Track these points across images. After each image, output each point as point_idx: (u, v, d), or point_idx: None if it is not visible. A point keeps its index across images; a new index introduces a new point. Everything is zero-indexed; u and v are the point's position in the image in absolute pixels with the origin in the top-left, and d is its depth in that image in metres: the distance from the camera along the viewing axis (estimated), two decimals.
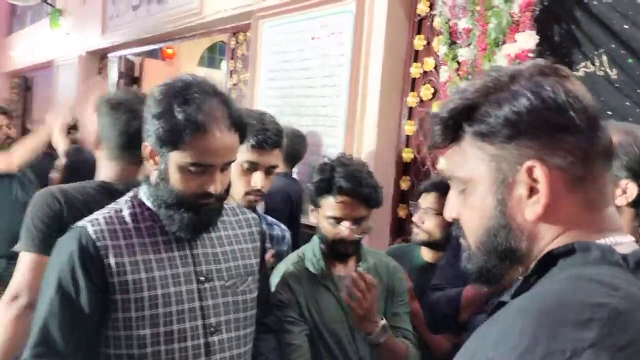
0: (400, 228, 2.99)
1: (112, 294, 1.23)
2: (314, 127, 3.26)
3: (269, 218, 2.02)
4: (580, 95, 0.75)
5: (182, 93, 1.23)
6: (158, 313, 1.25)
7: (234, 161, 1.32)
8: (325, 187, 1.64)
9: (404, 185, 2.99)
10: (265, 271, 1.59)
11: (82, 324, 1.23)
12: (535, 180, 0.73)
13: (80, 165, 2.06)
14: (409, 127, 2.95)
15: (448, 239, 1.97)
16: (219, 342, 1.32)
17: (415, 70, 2.94)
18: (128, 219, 1.30)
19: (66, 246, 1.25)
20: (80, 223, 1.28)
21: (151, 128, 1.24)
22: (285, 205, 2.73)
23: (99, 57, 6.85)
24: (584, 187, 0.75)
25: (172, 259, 1.30)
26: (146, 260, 1.27)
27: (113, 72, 6.57)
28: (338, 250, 1.67)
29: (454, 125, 0.79)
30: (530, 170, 0.73)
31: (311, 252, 1.72)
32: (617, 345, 0.59)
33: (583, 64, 2.10)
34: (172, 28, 4.91)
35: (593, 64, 2.08)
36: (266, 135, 1.74)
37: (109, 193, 1.58)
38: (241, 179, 1.74)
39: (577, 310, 0.62)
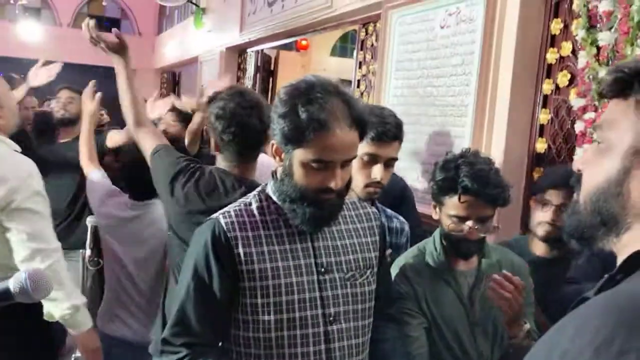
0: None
1: (241, 281, 1.34)
2: (441, 118, 3.22)
3: (388, 211, 2.03)
4: None
5: (305, 93, 1.29)
6: (282, 300, 1.33)
7: (354, 158, 1.36)
8: (449, 186, 1.62)
9: (537, 176, 2.85)
10: (387, 263, 1.62)
11: (214, 307, 1.35)
12: None
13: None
14: (544, 116, 2.81)
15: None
16: (337, 332, 1.38)
17: (551, 56, 2.78)
18: (256, 212, 1.40)
19: (202, 236, 1.38)
20: (214, 215, 1.41)
21: (277, 127, 1.32)
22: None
23: (238, 53, 7.22)
24: None
25: (295, 251, 1.37)
26: (271, 251, 1.35)
27: (251, 66, 6.90)
28: (460, 249, 1.65)
29: (628, 82, 0.79)
30: None
31: (432, 246, 1.72)
32: None
33: None
34: (305, 22, 5.05)
35: None
36: (385, 128, 1.77)
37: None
38: (361, 171, 1.78)
39: None
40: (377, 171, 1.79)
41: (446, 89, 3.20)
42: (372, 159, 1.79)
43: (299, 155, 1.31)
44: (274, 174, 1.43)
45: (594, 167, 0.82)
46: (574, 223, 0.85)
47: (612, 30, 2.24)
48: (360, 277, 1.43)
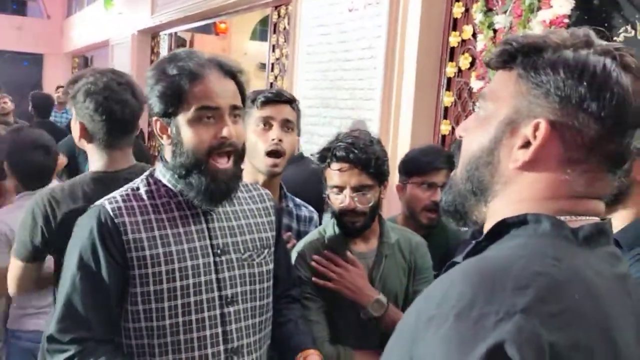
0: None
1: (131, 269, 1.27)
2: (351, 101, 3.24)
3: (297, 199, 2.02)
4: (627, 96, 0.73)
5: (171, 59, 1.32)
6: (176, 286, 1.29)
7: (240, 107, 1.35)
8: (326, 156, 1.65)
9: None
10: (284, 245, 1.61)
11: (104, 297, 1.27)
12: (535, 138, 0.74)
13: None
14: (448, 99, 2.88)
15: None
16: (234, 313, 1.35)
17: (453, 39, 2.86)
18: (144, 196, 1.34)
19: (86, 224, 1.30)
20: (98, 202, 1.33)
21: (152, 97, 1.30)
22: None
23: (151, 36, 7.00)
24: (571, 169, 0.75)
25: (189, 233, 1.33)
26: (163, 235, 1.30)
27: (164, 50, 6.70)
28: (345, 223, 1.66)
29: (512, 55, 0.80)
30: (536, 127, 0.74)
31: (332, 229, 1.72)
32: (549, 313, 0.61)
33: (623, 28, 1.98)
34: (217, 4, 4.95)
35: (634, 28, 1.96)
36: (274, 90, 1.82)
37: (102, 181, 1.66)
38: (260, 138, 1.79)
39: (517, 277, 0.64)
40: (274, 132, 1.79)
41: (355, 73, 3.22)
42: (267, 123, 1.80)
43: (183, 117, 1.29)
44: (162, 157, 1.39)
45: (472, 136, 0.84)
46: (450, 197, 0.86)
47: (507, 13, 2.31)
48: (258, 257, 1.42)
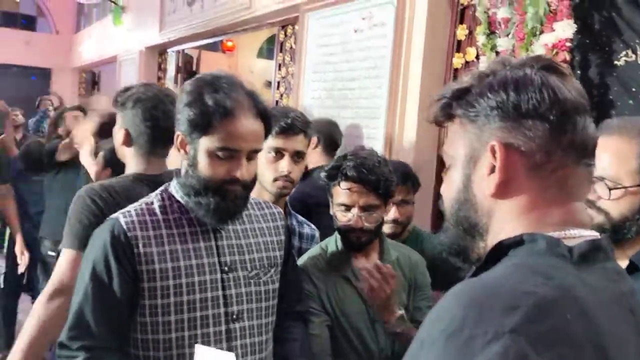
0: (441, 219, 2.96)
1: (141, 281, 1.32)
2: (356, 120, 3.27)
3: (299, 217, 2.06)
4: (557, 88, 0.78)
5: (211, 83, 1.33)
6: (182, 300, 1.33)
7: (259, 150, 1.39)
8: (335, 174, 1.68)
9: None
10: (294, 262, 1.64)
11: (114, 308, 1.32)
12: (496, 159, 0.78)
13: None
14: None
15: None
16: (240, 330, 1.38)
17: (457, 61, 2.89)
18: (158, 210, 1.39)
19: (100, 236, 1.35)
20: (114, 215, 1.38)
21: (183, 116, 1.33)
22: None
23: (158, 52, 7.08)
24: (540, 174, 0.78)
25: (198, 250, 1.37)
26: (173, 250, 1.34)
27: (172, 66, 6.78)
28: (350, 240, 1.69)
29: (448, 105, 0.85)
30: (493, 150, 0.78)
31: (334, 244, 1.75)
32: (538, 332, 0.61)
33: (624, 52, 2.02)
34: (224, 22, 5.02)
35: (635, 53, 1.99)
36: (289, 121, 1.82)
37: (144, 182, 1.71)
38: (269, 166, 1.83)
39: (506, 297, 0.64)
40: (284, 164, 1.83)
41: (360, 92, 3.26)
42: (279, 153, 1.83)
43: (205, 143, 1.32)
44: (177, 172, 1.43)
45: (447, 186, 0.88)
46: (446, 241, 0.89)
47: (510, 36, 2.35)
48: (264, 275, 1.45)
